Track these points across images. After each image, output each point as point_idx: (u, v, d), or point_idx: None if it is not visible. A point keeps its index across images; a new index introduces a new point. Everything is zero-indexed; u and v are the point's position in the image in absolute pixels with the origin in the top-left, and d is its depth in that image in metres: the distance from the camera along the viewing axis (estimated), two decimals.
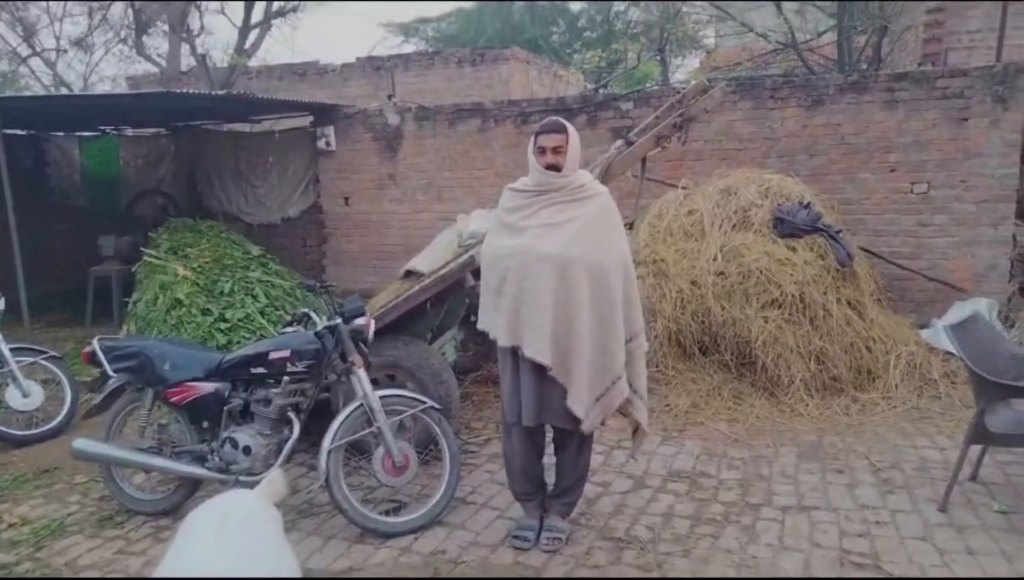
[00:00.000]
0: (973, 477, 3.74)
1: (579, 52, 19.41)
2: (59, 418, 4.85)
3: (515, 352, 3.09)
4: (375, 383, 3.60)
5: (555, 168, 3.06)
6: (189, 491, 3.68)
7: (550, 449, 3.38)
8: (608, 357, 3.04)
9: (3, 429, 4.67)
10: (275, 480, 2.31)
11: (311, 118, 8.52)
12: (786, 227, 5.39)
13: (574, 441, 3.23)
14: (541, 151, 3.07)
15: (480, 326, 3.27)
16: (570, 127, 3.12)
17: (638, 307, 3.19)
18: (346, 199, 8.51)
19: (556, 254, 2.97)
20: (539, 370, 3.02)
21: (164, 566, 1.91)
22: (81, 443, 3.59)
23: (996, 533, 3.23)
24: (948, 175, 6.18)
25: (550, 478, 3.41)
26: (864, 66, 9.45)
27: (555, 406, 3.06)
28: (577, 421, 3.05)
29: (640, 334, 3.19)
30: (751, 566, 3.03)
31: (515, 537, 3.30)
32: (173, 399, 3.54)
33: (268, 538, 2.01)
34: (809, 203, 5.52)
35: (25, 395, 4.75)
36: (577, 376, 3.00)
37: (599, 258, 3.02)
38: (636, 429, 3.38)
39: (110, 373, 3.57)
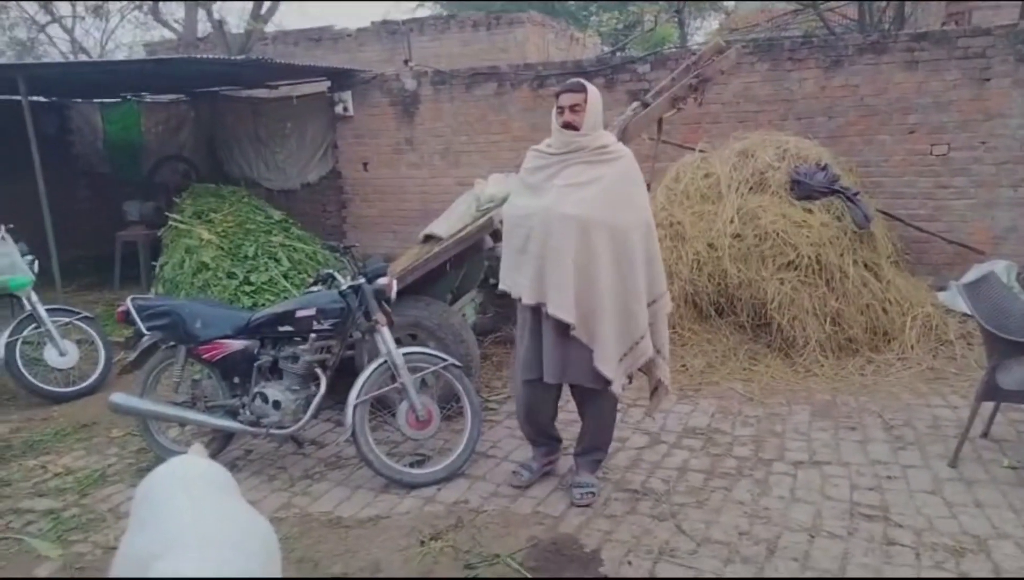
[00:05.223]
0: (985, 434, 3.81)
1: (596, 15, 19.12)
2: (94, 376, 5.04)
3: (537, 310, 3.15)
4: (398, 342, 3.70)
5: (572, 127, 3.09)
6: (222, 444, 3.83)
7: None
8: (631, 318, 3.10)
9: (43, 386, 4.86)
10: (198, 450, 2.35)
11: (328, 83, 8.54)
12: (803, 189, 5.40)
13: (599, 401, 3.28)
14: (560, 110, 3.11)
15: (502, 286, 3.33)
16: (591, 87, 3.14)
17: (661, 268, 3.23)
18: (364, 164, 8.58)
19: (577, 215, 3.01)
20: (562, 329, 3.06)
21: (137, 537, 1.75)
22: (118, 397, 3.72)
23: (1005, 487, 3.30)
24: (968, 136, 6.13)
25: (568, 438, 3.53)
26: (886, 26, 9.29)
27: (580, 365, 3.11)
28: (603, 380, 3.10)
29: (664, 295, 3.25)
30: (763, 517, 3.14)
31: (514, 473, 3.51)
32: (205, 356, 3.67)
33: (231, 492, 2.01)
34: (826, 165, 5.51)
35: (62, 354, 4.94)
36: (602, 337, 3.05)
37: (620, 220, 3.06)
38: (656, 388, 3.46)
39: (144, 331, 3.70)
